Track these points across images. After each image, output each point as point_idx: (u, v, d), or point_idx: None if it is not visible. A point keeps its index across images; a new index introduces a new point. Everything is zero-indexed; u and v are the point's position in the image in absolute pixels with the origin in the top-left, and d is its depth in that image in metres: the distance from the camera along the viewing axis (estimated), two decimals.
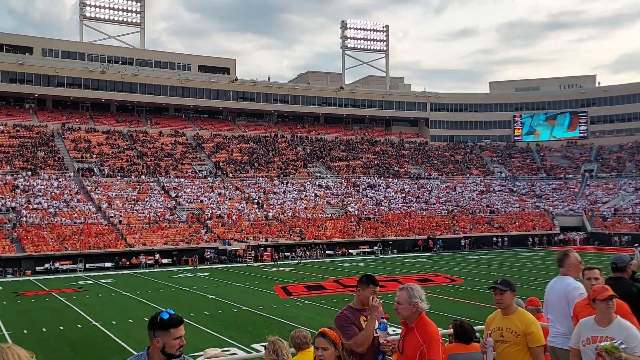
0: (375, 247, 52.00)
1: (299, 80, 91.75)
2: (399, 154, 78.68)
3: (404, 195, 66.49)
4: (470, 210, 64.11)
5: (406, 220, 58.93)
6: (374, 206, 61.84)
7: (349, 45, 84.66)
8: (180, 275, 37.35)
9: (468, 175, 75.21)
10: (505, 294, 5.07)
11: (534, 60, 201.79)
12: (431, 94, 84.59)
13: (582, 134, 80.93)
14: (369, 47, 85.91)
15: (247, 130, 74.63)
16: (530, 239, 57.79)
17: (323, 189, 64.25)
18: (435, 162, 78.14)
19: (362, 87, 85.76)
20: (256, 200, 58.03)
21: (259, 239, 49.52)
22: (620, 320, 4.68)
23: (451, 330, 5.69)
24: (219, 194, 57.81)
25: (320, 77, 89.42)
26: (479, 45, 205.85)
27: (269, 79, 78.26)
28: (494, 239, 57.28)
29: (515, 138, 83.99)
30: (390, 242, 53.58)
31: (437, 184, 71.33)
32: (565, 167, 76.77)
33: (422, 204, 64.66)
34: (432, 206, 64.31)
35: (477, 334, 5.88)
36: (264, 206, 56.99)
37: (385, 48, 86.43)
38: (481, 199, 68.24)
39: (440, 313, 18.50)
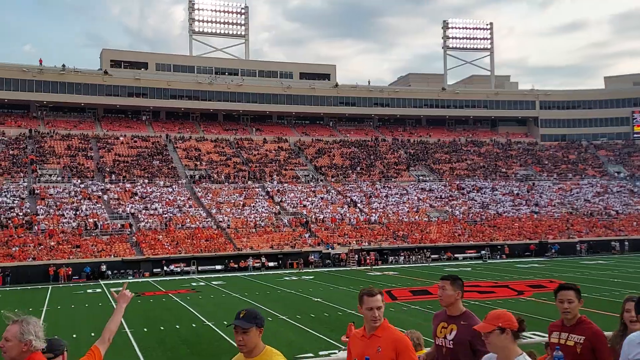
0: (483, 252, 50.23)
1: (400, 83, 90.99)
2: (507, 155, 75.65)
3: (512, 197, 63.78)
4: (587, 213, 60.28)
5: (516, 224, 56.47)
6: (480, 209, 59.82)
7: (450, 45, 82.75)
8: (286, 278, 38.09)
9: (583, 176, 70.82)
10: (249, 332, 3.69)
11: None
12: (540, 92, 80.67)
13: None
14: (472, 46, 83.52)
15: (348, 135, 75.01)
16: None
17: (426, 192, 63.11)
18: (546, 162, 74.33)
19: (466, 87, 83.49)
20: (358, 204, 58.08)
21: (362, 242, 49.47)
22: None
23: None
24: (322, 198, 58.47)
25: (421, 79, 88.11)
26: (590, 38, 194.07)
27: (369, 83, 78.29)
28: (613, 243, 53.39)
29: (635, 135, 77.97)
30: (499, 247, 51.50)
31: (549, 186, 67.76)
32: None
33: (533, 206, 61.67)
34: (544, 209, 61.14)
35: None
36: (367, 210, 56.89)
37: (489, 46, 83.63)
38: (598, 201, 63.97)
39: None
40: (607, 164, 74.46)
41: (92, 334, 18.53)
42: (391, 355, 4.08)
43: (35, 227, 44.92)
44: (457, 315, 4.63)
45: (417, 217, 56.48)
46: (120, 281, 39.33)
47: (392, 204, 59.15)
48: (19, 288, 36.73)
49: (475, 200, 62.30)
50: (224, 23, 76.21)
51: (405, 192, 62.50)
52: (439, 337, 4.73)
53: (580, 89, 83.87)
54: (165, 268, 42.89)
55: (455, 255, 50.21)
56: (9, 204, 48.27)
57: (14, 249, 41.62)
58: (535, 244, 52.37)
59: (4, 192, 49.95)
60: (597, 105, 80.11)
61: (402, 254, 48.59)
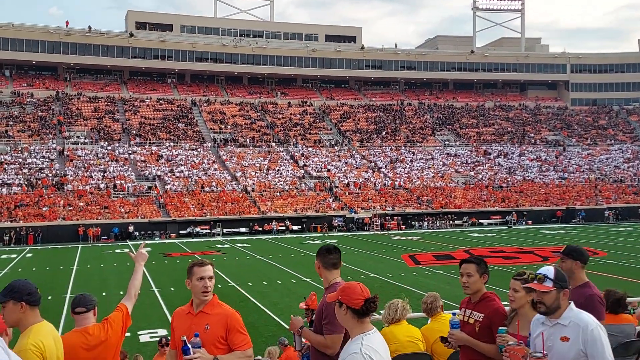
0: (508, 217, 49.84)
1: (427, 45, 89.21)
2: (535, 119, 74.24)
3: (540, 163, 62.83)
4: (616, 179, 59.19)
5: (542, 190, 55.76)
6: (506, 175, 59.14)
7: (480, 6, 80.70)
8: (310, 241, 38.37)
9: (613, 141, 69.28)
10: (6, 307, 3.52)
11: None
12: (572, 55, 78.48)
13: None
14: (502, 8, 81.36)
15: (373, 99, 74.25)
16: None
17: (452, 158, 62.50)
18: (576, 127, 72.80)
19: (495, 49, 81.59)
20: (382, 169, 57.84)
21: (386, 207, 49.43)
22: None
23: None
24: (346, 162, 58.34)
25: (449, 41, 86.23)
26: None
27: (395, 46, 76.97)
28: None
29: None
30: (525, 213, 51.02)
31: (578, 151, 66.51)
32: None
33: (561, 172, 60.73)
34: (572, 175, 60.18)
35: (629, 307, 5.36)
36: (391, 175, 56.67)
37: (520, 7, 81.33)
38: (628, 167, 62.66)
39: None
40: (639, 130, 72.65)
41: (121, 292, 18.96)
42: (220, 332, 3.83)
43: (66, 188, 45.84)
44: (326, 288, 4.24)
45: (442, 182, 56.11)
46: (148, 242, 40.11)
47: (417, 169, 58.77)
48: (49, 247, 37.72)
49: (502, 166, 61.55)
50: None
51: (430, 157, 61.98)
52: None
53: (613, 52, 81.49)
54: (190, 229, 43.54)
55: (480, 220, 49.93)
56: (38, 164, 49.21)
57: (44, 209, 42.61)
58: (562, 210, 51.76)
59: (34, 153, 50.90)
60: (630, 68, 77.81)
61: (426, 219, 48.50)
